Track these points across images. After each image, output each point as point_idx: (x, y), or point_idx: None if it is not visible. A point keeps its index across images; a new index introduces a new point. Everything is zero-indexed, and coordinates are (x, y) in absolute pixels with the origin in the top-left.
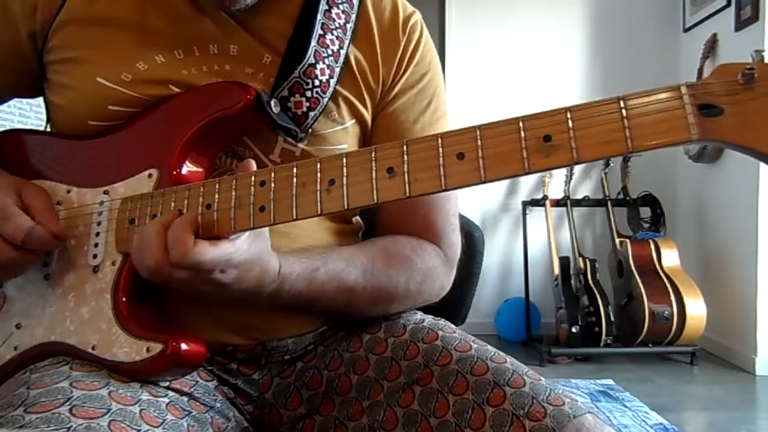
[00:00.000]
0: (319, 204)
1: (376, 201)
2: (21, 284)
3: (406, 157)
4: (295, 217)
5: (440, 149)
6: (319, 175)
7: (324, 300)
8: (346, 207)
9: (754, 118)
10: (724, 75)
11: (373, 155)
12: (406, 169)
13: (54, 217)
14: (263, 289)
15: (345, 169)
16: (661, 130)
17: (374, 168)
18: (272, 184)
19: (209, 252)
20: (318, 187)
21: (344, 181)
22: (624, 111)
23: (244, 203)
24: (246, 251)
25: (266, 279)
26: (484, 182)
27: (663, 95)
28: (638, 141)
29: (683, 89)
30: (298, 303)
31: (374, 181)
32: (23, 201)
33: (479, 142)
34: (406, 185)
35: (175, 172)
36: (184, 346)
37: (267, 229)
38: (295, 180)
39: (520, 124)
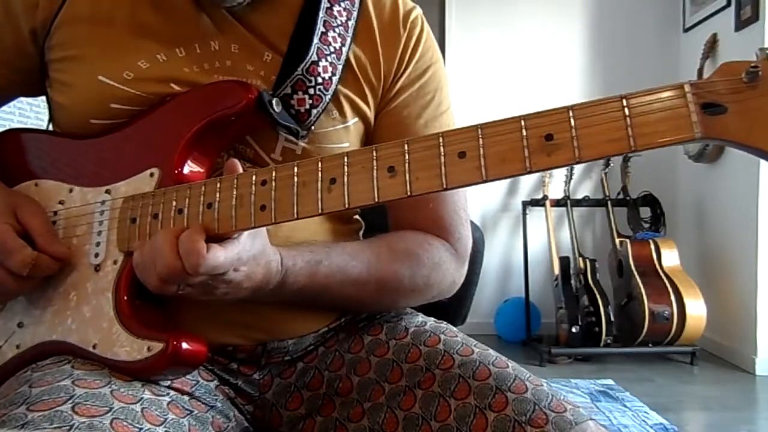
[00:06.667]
0: (320, 203)
1: (377, 200)
2: None
3: (407, 156)
4: (296, 216)
5: (441, 148)
6: (320, 174)
7: (328, 294)
8: (347, 206)
9: (758, 117)
10: (728, 73)
11: (374, 154)
12: (407, 168)
13: (55, 239)
14: (269, 283)
15: (346, 168)
16: (664, 129)
17: (375, 167)
18: (273, 183)
19: (221, 255)
20: (319, 186)
21: (345, 180)
22: (626, 110)
23: (246, 202)
24: (252, 246)
25: (271, 271)
26: (486, 181)
27: (666, 94)
28: (641, 140)
29: (686, 88)
30: (302, 297)
31: (375, 180)
32: (20, 222)
33: (480, 141)
34: (407, 184)
35: (176, 172)
36: (185, 345)
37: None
38: (296, 179)
39: (522, 123)
